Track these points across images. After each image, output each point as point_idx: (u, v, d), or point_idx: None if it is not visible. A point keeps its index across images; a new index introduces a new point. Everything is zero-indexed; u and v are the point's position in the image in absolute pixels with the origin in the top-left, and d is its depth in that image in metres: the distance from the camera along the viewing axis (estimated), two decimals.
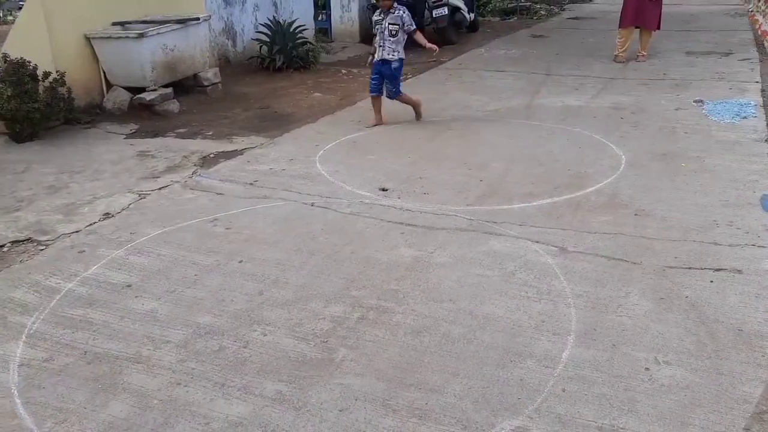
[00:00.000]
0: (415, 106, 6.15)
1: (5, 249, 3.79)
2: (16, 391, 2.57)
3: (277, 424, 2.36)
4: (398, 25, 5.72)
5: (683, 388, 2.46)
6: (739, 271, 3.25)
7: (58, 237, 3.92)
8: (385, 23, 5.73)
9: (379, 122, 6.02)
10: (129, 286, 3.34)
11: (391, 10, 5.72)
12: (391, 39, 5.73)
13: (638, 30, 8.54)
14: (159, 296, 3.23)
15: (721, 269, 3.28)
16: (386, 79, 5.88)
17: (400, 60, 5.86)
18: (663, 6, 8.43)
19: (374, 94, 5.99)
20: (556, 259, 3.45)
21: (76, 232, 3.98)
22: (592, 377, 2.54)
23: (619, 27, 8.57)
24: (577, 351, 2.70)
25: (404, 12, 5.75)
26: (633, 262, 3.38)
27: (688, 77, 7.52)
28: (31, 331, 2.96)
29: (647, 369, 2.57)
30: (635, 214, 3.95)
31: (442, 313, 3.01)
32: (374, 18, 5.86)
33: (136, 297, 3.23)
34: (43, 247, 3.80)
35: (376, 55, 5.85)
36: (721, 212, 3.92)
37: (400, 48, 5.81)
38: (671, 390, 2.45)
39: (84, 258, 3.64)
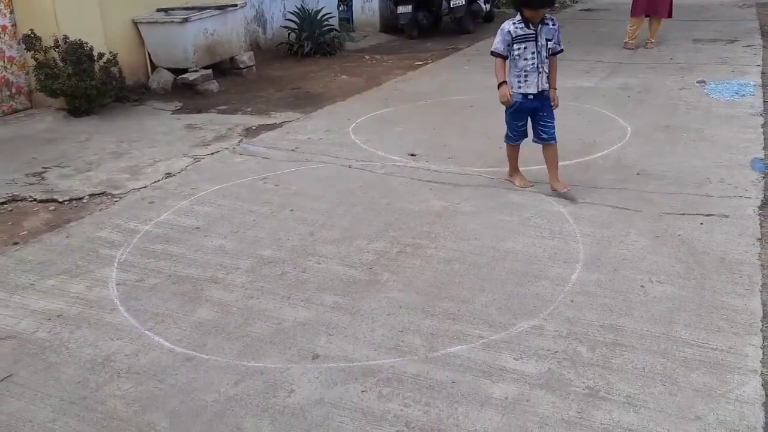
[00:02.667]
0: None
1: (84, 200, 4.35)
2: (118, 302, 3.12)
3: (337, 323, 2.89)
4: (552, 40, 4.02)
5: (672, 299, 2.97)
6: (726, 216, 3.74)
7: (129, 191, 4.47)
8: (542, 39, 3.96)
9: (524, 182, 4.33)
10: (197, 228, 3.88)
11: (546, 22, 3.99)
12: (547, 61, 4.03)
13: (648, 19, 8.98)
14: (225, 235, 3.77)
15: (711, 215, 3.78)
16: (539, 118, 4.13)
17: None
18: None
19: (519, 141, 4.29)
20: (567, 208, 3.96)
21: (144, 187, 4.53)
22: (596, 292, 3.05)
23: (631, 16, 9.01)
24: (584, 274, 3.21)
25: (557, 24, 4.07)
26: (634, 210, 3.88)
27: (693, 61, 7.97)
28: (121, 260, 3.52)
29: (642, 287, 3.08)
30: (638, 174, 4.45)
31: (469, 248, 3.53)
32: (512, 31, 3.96)
33: (205, 236, 3.77)
34: (117, 199, 4.36)
35: (523, 87, 4.03)
36: (715, 172, 4.41)
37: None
38: (662, 300, 2.96)
39: (154, 207, 4.19)
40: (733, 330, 2.71)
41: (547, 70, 4.04)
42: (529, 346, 2.66)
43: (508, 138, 4.33)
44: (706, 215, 3.77)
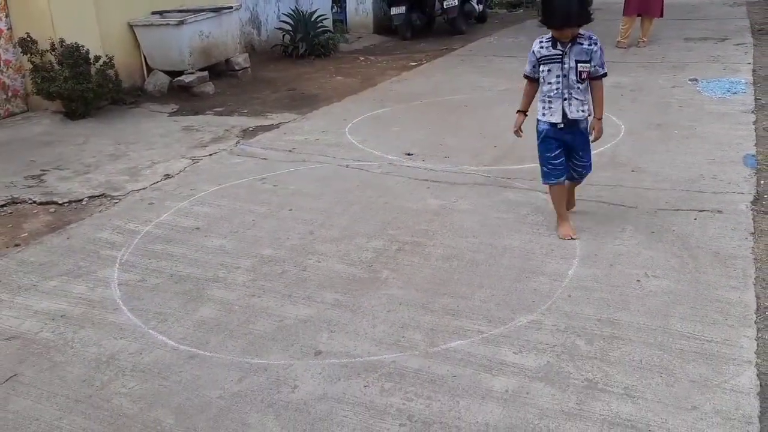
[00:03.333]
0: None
1: (84, 202, 4.37)
2: (120, 302, 3.14)
3: (338, 320, 2.92)
4: (589, 62, 3.41)
5: (667, 293, 3.02)
6: (720, 212, 3.80)
7: (128, 193, 4.49)
8: (570, 61, 3.39)
9: (567, 231, 3.62)
10: (197, 228, 3.91)
11: (580, 41, 3.39)
12: (579, 87, 3.43)
13: (640, 18, 9.06)
14: (225, 235, 3.80)
15: (704, 210, 3.83)
16: (572, 155, 3.63)
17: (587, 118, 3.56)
18: None
19: (560, 179, 3.61)
20: None
21: (143, 188, 4.55)
22: (593, 287, 3.10)
23: (623, 15, 9.08)
24: (581, 270, 3.26)
25: (599, 44, 3.43)
26: (629, 206, 3.94)
27: (684, 60, 8.05)
28: (122, 261, 3.54)
29: (638, 281, 3.13)
30: (632, 171, 4.50)
31: (467, 245, 3.58)
32: (537, 51, 3.49)
33: (205, 236, 3.81)
34: (117, 200, 4.38)
35: (547, 115, 3.53)
36: (707, 168, 4.47)
37: (589, 98, 3.52)
38: (657, 294, 3.01)
39: (154, 208, 4.21)
40: (728, 322, 2.76)
41: (578, 96, 3.44)
42: (528, 341, 2.71)
43: (543, 176, 3.65)
44: (700, 211, 3.83)
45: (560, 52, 3.42)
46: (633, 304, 2.94)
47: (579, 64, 3.40)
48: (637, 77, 7.29)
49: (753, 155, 4.65)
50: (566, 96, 3.46)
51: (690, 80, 6.94)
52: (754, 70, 7.26)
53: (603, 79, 3.50)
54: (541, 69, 3.50)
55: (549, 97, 3.50)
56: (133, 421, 2.33)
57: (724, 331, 2.71)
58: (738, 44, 8.84)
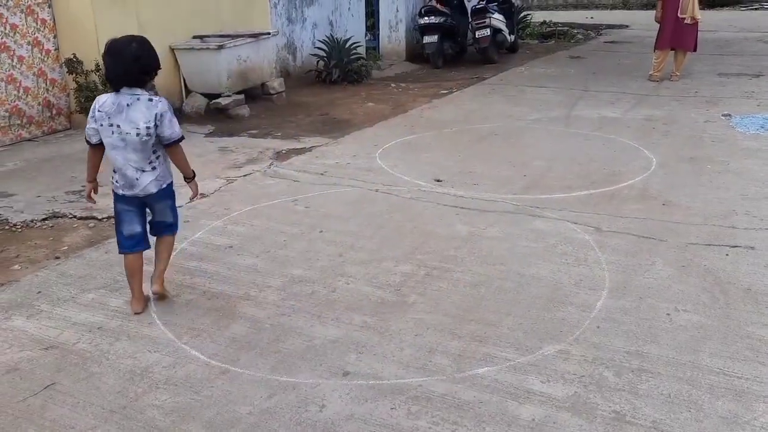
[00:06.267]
0: None
1: None
2: (155, 316, 3.23)
3: (366, 342, 2.96)
4: None
5: (698, 328, 3.00)
6: (752, 248, 3.77)
7: None
8: None
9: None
10: (231, 247, 4.00)
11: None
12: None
13: (673, 52, 9.06)
14: (257, 254, 3.88)
15: (737, 246, 3.81)
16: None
17: None
18: (699, 31, 8.93)
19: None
20: (592, 236, 4.01)
21: (179, 206, 4.60)
22: (621, 319, 3.09)
23: (656, 48, 9.09)
24: (610, 301, 3.26)
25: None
26: (659, 240, 3.93)
27: (718, 95, 8.01)
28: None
29: (668, 315, 3.12)
30: (663, 204, 4.49)
31: (495, 272, 3.60)
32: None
33: (238, 255, 3.89)
34: None
35: None
36: (740, 204, 4.44)
37: None
38: (687, 329, 2.99)
39: (189, 226, 4.31)
40: (758, 359, 2.74)
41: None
42: (555, 370, 2.72)
43: None
44: (732, 246, 3.80)
45: None
46: (662, 338, 2.93)
47: None
48: (669, 111, 7.28)
49: None
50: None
51: (723, 115, 6.91)
52: None
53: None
54: None
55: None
56: None
57: (755, 368, 2.68)
58: None
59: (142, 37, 3.10)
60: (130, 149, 3.05)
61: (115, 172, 3.15)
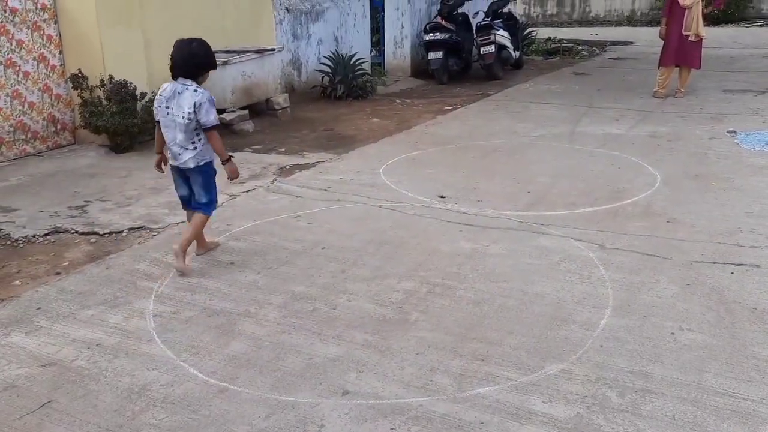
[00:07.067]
0: None
1: (124, 234, 4.49)
2: (154, 333, 3.21)
3: (367, 361, 2.93)
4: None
5: (702, 347, 2.96)
6: (758, 266, 3.73)
7: (167, 226, 4.61)
8: None
9: None
10: (232, 263, 3.98)
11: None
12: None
13: (678, 68, 9.06)
14: (258, 271, 3.86)
15: (742, 264, 3.77)
16: None
17: None
18: (703, 48, 8.93)
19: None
20: (596, 253, 3.98)
21: (182, 222, 4.65)
22: (625, 338, 3.06)
23: (660, 65, 9.09)
24: (613, 320, 3.22)
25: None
26: (664, 258, 3.89)
27: (723, 111, 7.99)
28: (158, 293, 3.62)
29: (672, 334, 3.08)
30: (667, 222, 4.46)
31: (498, 290, 3.57)
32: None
33: (239, 271, 3.87)
34: (156, 233, 4.50)
35: None
36: (746, 221, 4.41)
37: None
38: (692, 348, 2.95)
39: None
40: (764, 380, 2.70)
41: None
42: (558, 390, 2.68)
43: None
44: (738, 264, 3.76)
45: None
46: (666, 358, 2.89)
47: None
48: (674, 127, 7.26)
49: None
50: None
51: (728, 132, 6.88)
52: None
53: None
54: None
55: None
56: None
57: (761, 390, 2.64)
58: None
59: (201, 39, 3.82)
60: (177, 129, 3.73)
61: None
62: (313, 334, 3.17)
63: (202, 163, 3.83)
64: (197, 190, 3.91)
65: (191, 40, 3.76)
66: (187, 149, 3.77)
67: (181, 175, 3.90)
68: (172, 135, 3.75)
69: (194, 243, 3.98)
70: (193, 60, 3.72)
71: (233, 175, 3.91)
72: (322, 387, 2.74)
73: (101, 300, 3.53)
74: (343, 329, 3.20)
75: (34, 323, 3.30)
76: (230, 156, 3.89)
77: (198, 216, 3.91)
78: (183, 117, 3.67)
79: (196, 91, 3.69)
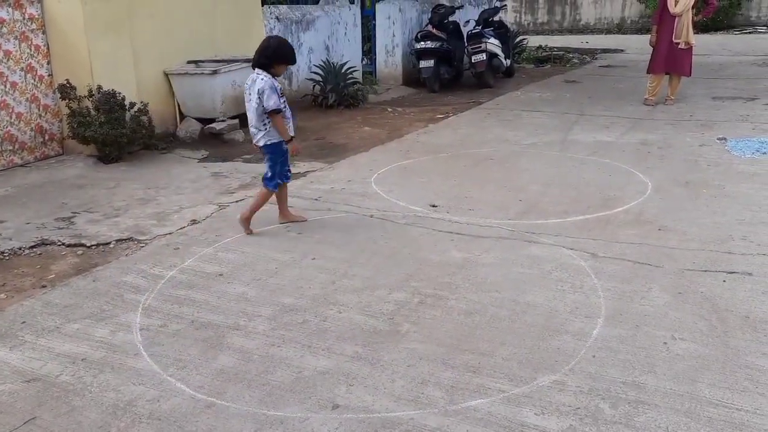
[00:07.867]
0: None
1: (111, 245, 4.44)
2: (141, 347, 3.15)
3: (357, 374, 2.89)
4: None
5: (695, 357, 2.93)
6: (750, 274, 3.72)
7: (155, 237, 4.56)
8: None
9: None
10: (221, 275, 3.94)
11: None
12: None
13: (668, 76, 9.09)
14: (247, 283, 3.82)
15: (734, 272, 3.75)
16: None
17: None
18: (693, 56, 8.96)
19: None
20: (588, 262, 3.96)
21: (170, 233, 4.62)
22: (618, 348, 3.03)
23: (650, 72, 9.12)
24: (606, 330, 3.19)
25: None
26: (655, 266, 3.87)
27: (713, 118, 8.02)
28: (145, 306, 3.57)
29: (665, 343, 3.05)
30: (659, 229, 4.45)
31: (490, 300, 3.54)
32: (278, 87, 4.39)
33: (228, 283, 3.82)
34: (143, 244, 4.44)
35: (291, 131, 4.57)
36: (737, 229, 4.40)
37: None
38: (685, 358, 2.93)
39: (179, 253, 4.26)
40: (758, 390, 2.67)
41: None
42: (550, 402, 2.64)
43: (276, 184, 4.60)
44: (729, 272, 3.75)
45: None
46: (659, 368, 2.86)
47: None
48: (664, 135, 7.28)
49: None
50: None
51: (719, 139, 6.90)
52: None
53: None
54: (282, 100, 4.39)
55: (289, 119, 4.52)
56: None
57: (755, 400, 2.61)
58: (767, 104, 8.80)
59: (281, 38, 4.55)
60: (252, 112, 4.37)
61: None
62: (302, 346, 3.12)
63: (269, 143, 4.41)
64: (266, 167, 4.52)
65: (270, 37, 4.52)
66: (259, 130, 4.39)
67: (262, 152, 4.56)
68: (251, 117, 4.39)
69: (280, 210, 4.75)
70: (264, 52, 4.29)
71: (294, 152, 4.54)
72: (311, 401, 2.69)
73: (87, 313, 3.48)
74: (333, 341, 3.16)
75: (18, 338, 3.25)
76: (292, 137, 4.47)
77: (262, 189, 4.54)
78: (252, 101, 4.30)
79: (263, 79, 4.26)
